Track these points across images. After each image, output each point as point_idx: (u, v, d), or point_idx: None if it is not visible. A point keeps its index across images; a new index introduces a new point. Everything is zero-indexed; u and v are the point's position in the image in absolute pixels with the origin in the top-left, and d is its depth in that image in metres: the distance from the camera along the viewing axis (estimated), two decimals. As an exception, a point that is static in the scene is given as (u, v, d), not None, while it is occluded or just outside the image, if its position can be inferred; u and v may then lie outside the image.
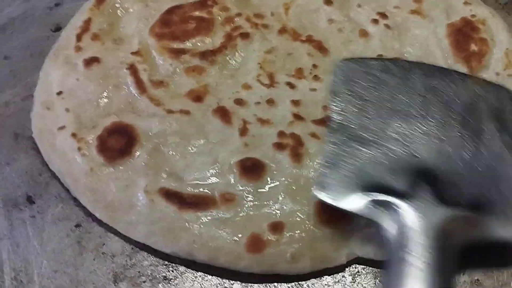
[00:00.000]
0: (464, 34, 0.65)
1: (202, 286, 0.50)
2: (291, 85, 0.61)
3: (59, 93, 0.60)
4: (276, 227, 0.50)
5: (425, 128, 0.52)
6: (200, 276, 0.51)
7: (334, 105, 0.55)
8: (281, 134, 0.56)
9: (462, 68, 0.62)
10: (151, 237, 0.51)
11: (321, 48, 0.64)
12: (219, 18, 0.67)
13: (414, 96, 0.54)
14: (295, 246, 0.49)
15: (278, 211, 0.51)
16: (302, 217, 0.51)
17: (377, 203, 0.47)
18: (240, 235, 0.50)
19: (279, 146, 0.55)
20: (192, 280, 0.51)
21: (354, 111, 0.54)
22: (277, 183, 0.53)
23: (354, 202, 0.48)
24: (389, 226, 0.46)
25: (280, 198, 0.52)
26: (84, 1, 0.70)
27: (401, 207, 0.46)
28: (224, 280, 0.50)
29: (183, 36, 0.65)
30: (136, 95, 0.60)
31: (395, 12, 0.68)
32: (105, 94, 0.60)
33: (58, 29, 0.70)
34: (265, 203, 0.52)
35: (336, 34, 0.66)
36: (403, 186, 0.47)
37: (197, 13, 0.67)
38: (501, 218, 0.47)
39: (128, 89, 0.60)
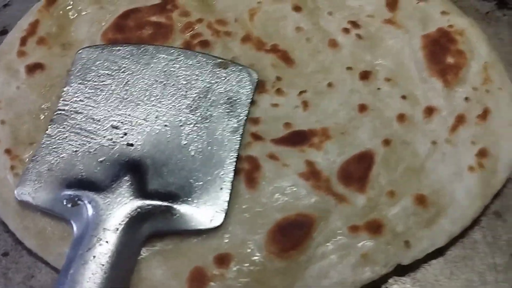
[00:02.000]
0: (440, 45, 0.60)
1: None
2: (251, 102, 0.56)
3: (-3, 102, 0.56)
4: (223, 259, 0.46)
5: (152, 115, 0.52)
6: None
7: (64, 95, 0.54)
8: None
9: (437, 83, 0.58)
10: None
11: (286, 58, 0.60)
12: (179, 24, 0.63)
13: (151, 82, 0.55)
14: (242, 282, 0.46)
15: (227, 241, 0.48)
16: (252, 248, 0.47)
17: (71, 198, 0.48)
18: (181, 270, 0.46)
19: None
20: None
21: (82, 101, 0.53)
22: (229, 211, 0.49)
23: (48, 199, 0.48)
24: (78, 220, 0.47)
25: (230, 227, 0.48)
26: (35, 2, 0.66)
27: (93, 201, 0.47)
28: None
29: (137, 43, 0.60)
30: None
31: (368, 21, 0.64)
32: (46, 105, 0.56)
33: (4, 32, 0.66)
34: (213, 233, 0.48)
35: (303, 44, 0.62)
36: (107, 178, 0.49)
37: (154, 18, 0.63)
38: (195, 206, 0.48)
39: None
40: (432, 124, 0.55)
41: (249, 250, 0.47)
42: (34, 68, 0.59)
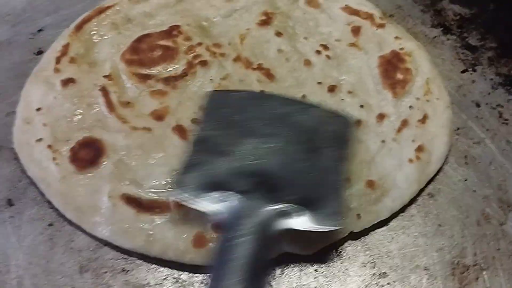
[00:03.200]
0: (391, 64, 0.75)
1: (155, 276, 0.59)
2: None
3: (38, 109, 0.69)
4: (218, 226, 0.59)
5: (272, 144, 0.62)
6: (153, 268, 0.60)
7: (203, 124, 0.65)
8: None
9: (388, 94, 0.72)
10: (112, 235, 0.60)
11: (269, 75, 0.74)
12: (183, 47, 0.76)
13: (267, 119, 0.65)
14: None
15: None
16: None
17: (223, 199, 0.58)
18: (186, 234, 0.59)
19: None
20: (146, 271, 0.60)
21: (215, 130, 0.64)
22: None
23: (201, 199, 0.58)
24: (228, 216, 0.56)
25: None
26: (64, 28, 0.79)
27: (238, 200, 0.57)
28: (173, 271, 0.60)
29: (150, 63, 0.74)
30: (106, 113, 0.69)
31: (336, 45, 0.78)
32: (78, 111, 0.69)
33: (40, 52, 0.79)
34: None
35: (283, 63, 0.76)
36: (246, 187, 0.58)
37: (163, 42, 0.77)
38: (319, 213, 0.58)
39: (99, 108, 0.69)
40: (383, 127, 0.69)
41: None
42: (67, 82, 0.71)
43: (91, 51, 0.76)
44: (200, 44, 0.77)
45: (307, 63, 0.76)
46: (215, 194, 0.57)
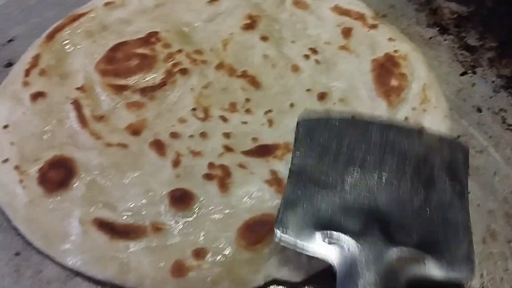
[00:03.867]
0: (385, 69, 0.70)
1: (132, 309, 0.54)
2: (224, 119, 0.65)
3: (5, 126, 0.64)
4: (199, 253, 0.54)
5: (379, 175, 0.55)
6: (130, 300, 0.54)
7: (296, 152, 0.58)
8: (211, 165, 0.61)
9: (382, 103, 0.67)
10: (83, 265, 0.54)
11: (254, 82, 0.69)
12: (161, 55, 0.71)
13: (370, 146, 0.57)
14: (216, 271, 0.53)
15: (203, 238, 0.55)
16: (224, 243, 0.55)
17: (331, 242, 0.51)
18: (164, 262, 0.53)
19: (208, 177, 0.60)
20: (122, 304, 0.54)
21: (313, 158, 0.57)
22: (204, 211, 0.57)
23: (308, 240, 0.51)
24: (340, 263, 0.50)
25: (206, 226, 0.56)
26: (36, 38, 0.74)
27: (351, 244, 0.50)
28: (152, 303, 0.54)
29: (126, 73, 0.69)
30: (77, 129, 0.64)
31: (325, 48, 0.73)
32: (48, 128, 0.64)
33: (9, 65, 0.74)
34: (191, 230, 0.56)
35: (269, 69, 0.71)
36: (356, 227, 0.51)
37: (140, 50, 0.72)
38: (443, 259, 0.50)
39: (70, 123, 0.64)
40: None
41: (221, 245, 0.54)
42: (36, 96, 0.66)
43: (63, 62, 0.72)
44: (180, 51, 0.72)
45: (295, 68, 0.71)
46: (321, 236, 0.51)
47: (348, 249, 0.50)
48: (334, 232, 0.51)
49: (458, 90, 0.73)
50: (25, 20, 0.81)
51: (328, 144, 0.58)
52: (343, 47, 0.73)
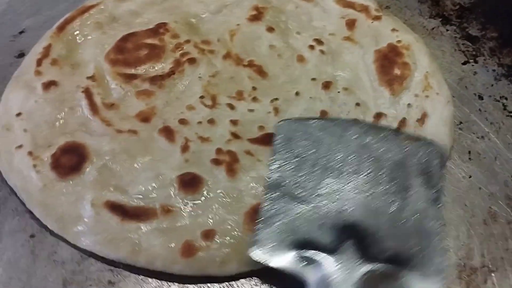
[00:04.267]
0: (389, 59, 0.71)
1: (143, 288, 0.56)
2: (231, 106, 0.67)
3: (18, 114, 0.65)
4: (208, 234, 0.56)
5: (355, 185, 0.55)
6: (141, 279, 0.56)
7: (273, 164, 0.59)
8: (218, 151, 0.62)
9: (385, 91, 0.68)
10: (96, 245, 0.56)
11: (261, 72, 0.71)
12: (170, 45, 0.73)
13: (347, 154, 0.58)
14: (224, 251, 0.55)
15: (211, 220, 0.57)
16: (232, 225, 0.56)
17: (304, 258, 0.51)
18: (174, 243, 0.55)
19: (216, 162, 0.61)
20: (134, 283, 0.56)
21: (290, 169, 0.57)
22: (212, 195, 0.59)
23: (283, 258, 0.52)
24: (313, 280, 0.50)
25: (214, 209, 0.58)
26: (46, 29, 0.76)
27: (325, 262, 0.51)
28: (163, 282, 0.56)
29: (135, 63, 0.71)
30: (89, 116, 0.65)
31: (330, 39, 0.75)
32: (60, 115, 0.65)
33: (21, 55, 0.76)
34: (200, 212, 0.57)
35: (275, 59, 0.72)
36: (330, 241, 0.52)
37: (149, 41, 0.73)
38: (419, 272, 0.51)
39: (82, 111, 0.66)
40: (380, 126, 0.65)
41: (229, 227, 0.56)
42: (49, 85, 0.67)
43: (74, 52, 0.73)
44: (188, 41, 0.74)
45: (301, 59, 0.73)
46: (297, 255, 0.51)
47: (323, 267, 0.50)
48: (310, 251, 0.51)
49: (460, 79, 0.75)
50: (36, 13, 0.82)
51: (305, 153, 0.58)
52: (347, 38, 0.75)
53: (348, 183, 0.56)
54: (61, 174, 0.60)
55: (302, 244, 0.52)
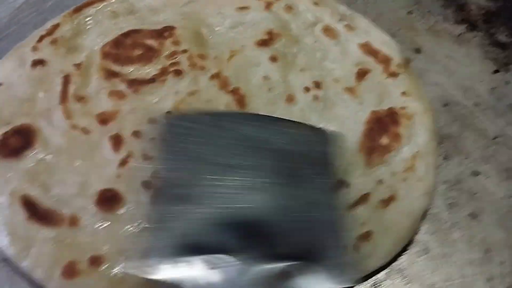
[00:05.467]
0: (381, 124, 0.63)
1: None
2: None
3: (0, 84, 0.67)
4: (95, 260, 0.53)
5: (251, 181, 0.51)
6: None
7: (160, 163, 0.54)
8: (156, 174, 0.58)
9: (360, 158, 0.60)
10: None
11: (240, 102, 0.65)
12: (166, 51, 0.70)
13: (239, 148, 0.53)
14: (101, 285, 0.52)
15: (107, 246, 0.54)
16: (125, 259, 0.53)
17: (206, 262, 0.46)
18: (61, 258, 0.53)
19: (147, 185, 0.58)
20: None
21: (183, 168, 0.52)
22: (125, 220, 0.56)
23: (184, 270, 0.46)
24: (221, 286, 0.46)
25: (118, 235, 0.55)
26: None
27: (231, 266, 0.46)
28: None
29: (125, 61, 0.68)
30: (55, 104, 0.65)
31: (331, 85, 0.67)
32: (33, 96, 0.65)
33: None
34: (102, 234, 0.55)
35: (263, 92, 0.67)
36: (229, 244, 0.47)
37: (149, 42, 0.71)
38: (322, 268, 0.47)
39: (52, 97, 0.66)
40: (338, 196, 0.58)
41: (120, 260, 0.53)
42: (37, 63, 0.67)
43: (78, 36, 0.72)
44: (185, 51, 0.70)
45: (290, 99, 0.66)
46: (194, 260, 0.46)
47: (225, 270, 0.46)
48: (211, 255, 0.46)
49: (492, 89, 0.72)
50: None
51: (196, 150, 0.52)
52: (349, 90, 0.67)
53: (244, 179, 0.51)
54: (2, 154, 0.60)
55: (202, 249, 0.47)
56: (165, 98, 0.66)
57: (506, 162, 0.65)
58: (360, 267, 0.54)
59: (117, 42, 0.71)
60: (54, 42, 0.71)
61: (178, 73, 0.68)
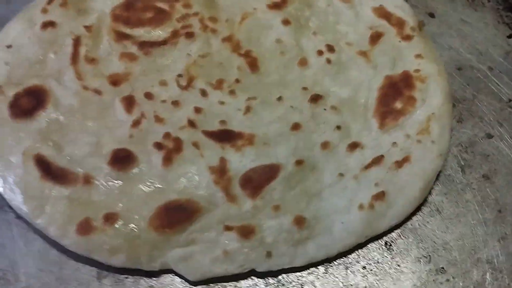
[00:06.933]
0: (396, 89, 0.62)
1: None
2: (203, 93, 0.62)
3: (9, 46, 0.66)
4: (110, 218, 0.53)
5: None
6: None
7: None
8: (167, 135, 0.59)
9: (375, 122, 0.60)
10: (10, 192, 0.56)
11: (253, 65, 0.65)
12: (177, 14, 0.69)
13: None
14: (117, 241, 0.52)
15: (121, 205, 0.54)
16: (137, 216, 0.53)
17: None
18: (76, 216, 0.53)
19: (159, 146, 0.58)
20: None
21: None
22: (137, 179, 0.56)
23: None
24: None
25: (131, 194, 0.55)
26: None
27: None
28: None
29: (136, 23, 0.68)
30: (66, 65, 0.64)
31: (345, 49, 0.67)
32: (43, 57, 0.65)
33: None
34: (116, 193, 0.55)
35: (276, 56, 0.66)
36: None
37: (161, 4, 0.69)
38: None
39: (63, 58, 0.65)
40: (350, 159, 0.58)
41: (136, 217, 0.53)
42: (47, 25, 0.66)
43: None
44: (196, 14, 0.69)
45: (303, 62, 0.66)
46: None
47: None
48: None
49: (507, 53, 0.70)
50: None
51: None
52: (363, 53, 0.66)
53: None
54: (14, 115, 0.60)
55: None
56: (177, 59, 0.65)
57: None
58: (374, 226, 0.54)
59: (128, 5, 0.70)
60: (64, 4, 0.70)
61: (189, 35, 0.67)
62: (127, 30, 0.67)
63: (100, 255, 0.53)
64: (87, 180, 0.55)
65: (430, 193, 0.59)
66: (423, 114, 0.60)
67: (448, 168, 0.61)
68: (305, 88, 0.63)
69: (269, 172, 0.56)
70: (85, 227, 0.53)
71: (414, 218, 0.58)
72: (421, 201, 0.57)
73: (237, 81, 0.64)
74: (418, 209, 0.58)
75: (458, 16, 0.74)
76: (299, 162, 0.57)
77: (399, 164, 0.57)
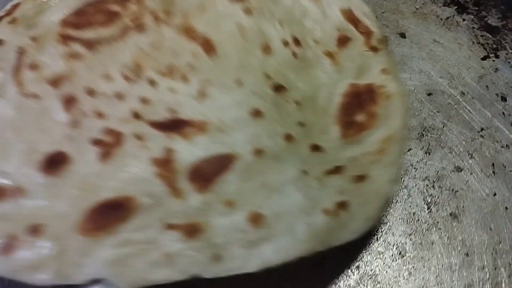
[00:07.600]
0: (359, 100, 0.57)
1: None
2: (152, 82, 0.56)
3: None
4: (35, 229, 0.46)
5: None
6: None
7: None
8: (107, 130, 0.52)
9: (337, 131, 0.55)
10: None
11: (209, 49, 0.58)
12: (130, 12, 0.63)
13: None
14: (41, 254, 0.45)
15: (48, 212, 0.47)
16: (65, 223, 0.46)
17: None
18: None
19: (95, 142, 0.51)
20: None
21: None
22: (70, 181, 0.49)
23: None
24: None
25: (63, 198, 0.47)
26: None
27: None
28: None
29: (84, 26, 0.62)
30: (9, 77, 0.58)
31: (312, 45, 0.61)
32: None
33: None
34: (44, 201, 0.48)
35: (236, 39, 0.59)
36: None
37: (114, 7, 0.64)
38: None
39: (7, 72, 0.59)
40: (313, 159, 0.51)
41: (64, 224, 0.46)
42: None
43: (40, 14, 0.66)
44: (149, 8, 0.63)
45: (267, 49, 0.59)
46: None
47: None
48: None
49: (480, 77, 0.67)
50: None
51: None
52: (330, 54, 0.60)
53: None
54: None
55: None
56: (124, 50, 0.59)
57: (492, 157, 0.60)
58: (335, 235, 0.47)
59: (79, 12, 0.64)
60: (13, 21, 0.65)
61: (140, 28, 0.61)
62: (75, 33, 0.61)
63: (23, 275, 0.44)
64: (18, 192, 0.48)
65: (393, 234, 0.55)
66: (382, 133, 0.54)
67: (413, 205, 0.56)
68: (267, 76, 0.56)
69: (222, 162, 0.48)
70: (8, 246, 0.45)
71: (375, 263, 0.53)
72: (376, 222, 0.51)
73: (191, 66, 0.57)
74: (378, 253, 0.54)
75: (431, 37, 0.69)
76: (259, 152, 0.50)
77: (359, 179, 0.50)
